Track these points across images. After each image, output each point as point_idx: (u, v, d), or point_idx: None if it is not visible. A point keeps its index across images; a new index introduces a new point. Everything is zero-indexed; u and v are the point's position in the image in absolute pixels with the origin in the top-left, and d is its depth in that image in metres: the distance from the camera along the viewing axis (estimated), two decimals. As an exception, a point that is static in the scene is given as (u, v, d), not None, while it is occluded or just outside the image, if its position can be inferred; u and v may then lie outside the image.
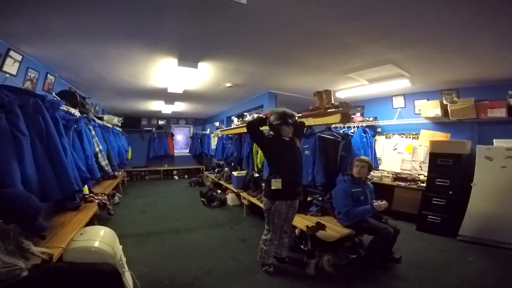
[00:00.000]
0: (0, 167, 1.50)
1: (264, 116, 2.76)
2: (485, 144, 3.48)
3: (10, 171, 1.53)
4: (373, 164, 3.16)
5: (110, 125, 5.26)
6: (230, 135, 6.37)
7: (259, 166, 4.64)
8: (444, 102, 4.12)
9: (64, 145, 2.11)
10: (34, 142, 1.77)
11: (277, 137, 2.63)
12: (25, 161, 1.66)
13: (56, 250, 1.81)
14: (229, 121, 7.36)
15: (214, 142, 8.59)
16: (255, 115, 4.65)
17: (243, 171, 5.35)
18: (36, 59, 3.12)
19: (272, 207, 2.57)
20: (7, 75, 2.65)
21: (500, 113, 3.50)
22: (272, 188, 2.51)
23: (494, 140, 3.47)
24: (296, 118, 2.71)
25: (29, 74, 3.03)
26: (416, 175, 4.48)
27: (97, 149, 3.33)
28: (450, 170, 3.65)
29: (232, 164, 6.08)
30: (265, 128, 2.82)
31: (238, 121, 5.74)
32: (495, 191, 3.28)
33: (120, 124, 6.23)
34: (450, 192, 3.62)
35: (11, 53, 2.69)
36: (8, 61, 2.66)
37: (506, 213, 3.17)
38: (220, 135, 7.32)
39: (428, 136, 4.42)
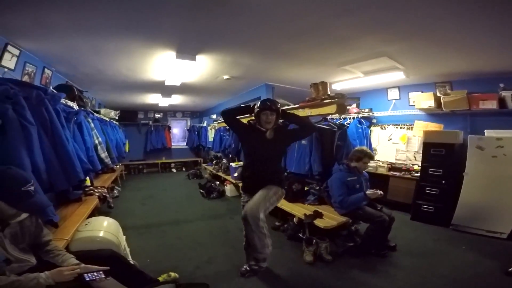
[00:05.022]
0: (12, 157, 1.54)
1: (251, 105, 2.49)
2: (476, 135, 3.56)
3: (21, 160, 1.57)
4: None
5: (107, 119, 5.26)
6: (227, 127, 6.40)
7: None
8: (438, 94, 4.18)
9: (66, 137, 2.15)
10: (39, 133, 1.81)
11: (253, 125, 2.42)
12: (34, 150, 1.70)
13: (61, 242, 1.85)
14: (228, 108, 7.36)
15: (211, 135, 8.61)
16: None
17: (241, 162, 5.40)
18: (34, 54, 3.11)
19: (241, 198, 2.58)
20: (5, 69, 2.66)
21: (491, 105, 3.58)
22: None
23: (485, 131, 3.56)
24: (279, 105, 2.41)
25: (26, 69, 3.03)
26: (410, 165, 4.58)
27: (96, 141, 3.35)
28: (443, 160, 3.73)
29: (230, 155, 6.14)
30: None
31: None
32: (486, 180, 3.36)
33: (117, 118, 6.21)
34: (443, 182, 3.70)
35: (9, 47, 2.68)
36: (6, 55, 2.66)
37: (496, 202, 3.25)
38: (217, 127, 7.34)
39: (422, 127, 4.51)
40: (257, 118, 2.36)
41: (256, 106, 2.35)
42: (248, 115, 2.63)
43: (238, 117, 2.55)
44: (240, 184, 2.72)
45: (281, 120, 2.50)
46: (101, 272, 1.49)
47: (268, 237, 2.24)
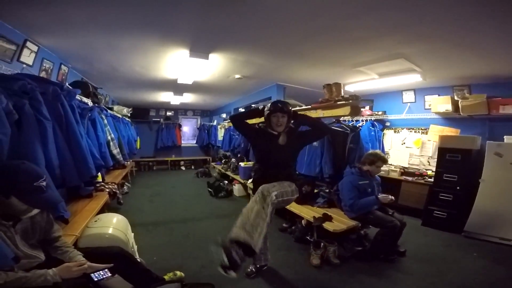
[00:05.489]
0: (27, 151, 1.56)
1: (260, 107, 2.34)
2: (495, 141, 3.45)
3: (36, 155, 1.60)
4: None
5: (119, 116, 5.34)
6: (237, 128, 6.39)
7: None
8: (455, 97, 4.08)
9: (80, 133, 2.18)
10: (54, 128, 1.83)
11: (264, 129, 2.28)
12: (48, 145, 1.72)
13: (70, 238, 1.85)
14: (236, 112, 7.38)
15: (221, 134, 8.65)
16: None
17: (250, 162, 5.40)
18: (51, 50, 3.20)
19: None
20: (24, 65, 2.74)
21: (512, 110, 3.46)
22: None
23: (505, 137, 3.43)
24: (291, 107, 2.25)
25: (44, 65, 3.11)
26: (424, 170, 4.47)
27: (109, 138, 3.40)
28: (458, 166, 3.63)
29: (239, 155, 6.14)
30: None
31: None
32: (503, 187, 3.26)
33: (129, 115, 6.30)
34: (458, 188, 3.60)
35: (28, 44, 2.76)
36: (25, 51, 2.74)
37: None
38: (227, 127, 7.36)
39: (438, 131, 4.39)
40: (267, 121, 2.20)
41: (266, 109, 2.20)
42: (258, 118, 2.40)
43: (247, 120, 2.38)
44: (248, 184, 2.65)
45: (292, 122, 2.34)
46: (106, 270, 1.49)
47: (265, 227, 1.77)
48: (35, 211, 1.37)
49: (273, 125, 2.16)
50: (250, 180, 2.22)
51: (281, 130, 2.18)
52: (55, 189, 1.60)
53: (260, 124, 2.38)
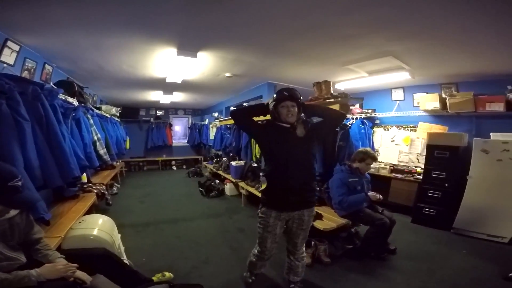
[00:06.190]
0: (3, 152, 1.52)
1: (265, 103, 2.04)
2: (482, 138, 3.50)
3: (13, 156, 1.55)
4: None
5: (108, 115, 5.24)
6: (228, 125, 6.39)
7: (258, 156, 4.69)
8: (443, 95, 4.13)
9: (63, 133, 2.12)
10: (34, 129, 1.78)
11: (272, 122, 1.94)
12: (27, 146, 1.67)
13: (55, 240, 1.82)
14: (228, 111, 7.35)
15: (212, 133, 8.59)
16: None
17: (241, 161, 5.38)
18: (34, 49, 3.09)
19: (259, 212, 2.00)
20: (5, 65, 2.64)
21: (498, 107, 3.52)
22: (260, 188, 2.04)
23: (491, 134, 3.49)
24: (300, 94, 1.90)
25: (26, 64, 3.00)
26: (413, 167, 4.52)
27: (95, 138, 3.33)
28: (446, 163, 3.68)
29: (231, 154, 6.11)
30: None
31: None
32: (490, 184, 3.31)
33: (118, 114, 6.20)
34: (446, 185, 3.65)
35: (9, 43, 2.66)
36: (6, 51, 2.63)
37: (499, 206, 3.21)
38: (218, 126, 7.32)
39: (426, 129, 4.45)
40: (274, 113, 1.88)
41: (271, 100, 1.91)
42: (263, 116, 2.08)
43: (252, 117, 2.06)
44: (259, 190, 2.38)
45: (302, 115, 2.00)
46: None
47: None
48: (13, 212, 1.34)
49: (282, 117, 1.84)
50: (262, 187, 1.79)
51: (293, 121, 1.85)
52: (33, 190, 1.56)
53: (268, 120, 2.04)
